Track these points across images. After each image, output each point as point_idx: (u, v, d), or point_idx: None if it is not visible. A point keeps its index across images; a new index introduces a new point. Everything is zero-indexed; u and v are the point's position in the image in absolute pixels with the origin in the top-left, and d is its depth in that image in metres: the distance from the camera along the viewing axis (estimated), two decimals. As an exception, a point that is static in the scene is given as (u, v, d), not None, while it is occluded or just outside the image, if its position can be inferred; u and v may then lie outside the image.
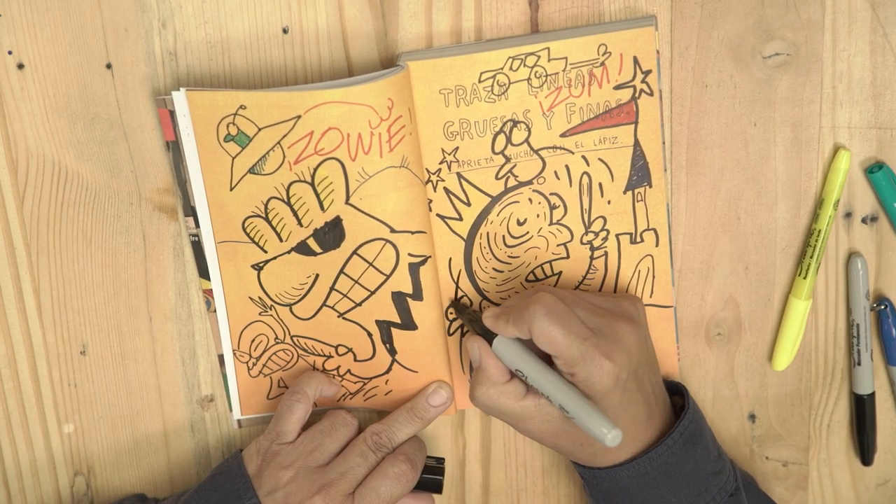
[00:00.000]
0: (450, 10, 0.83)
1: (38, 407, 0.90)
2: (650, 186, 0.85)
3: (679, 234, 0.89)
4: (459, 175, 0.84)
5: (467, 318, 0.85)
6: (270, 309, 0.86)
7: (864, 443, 0.94)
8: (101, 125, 0.84)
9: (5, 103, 0.83)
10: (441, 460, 0.89)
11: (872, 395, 0.93)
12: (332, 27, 0.83)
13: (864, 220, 0.89)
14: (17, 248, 0.86)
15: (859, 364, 0.91)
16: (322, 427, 0.85)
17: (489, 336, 0.81)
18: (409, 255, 0.83)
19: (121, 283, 0.87)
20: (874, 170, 0.87)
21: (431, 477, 0.88)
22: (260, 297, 0.86)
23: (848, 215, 0.89)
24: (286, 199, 0.82)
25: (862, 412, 0.93)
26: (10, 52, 0.82)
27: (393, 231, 0.82)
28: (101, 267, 0.87)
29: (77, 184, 0.85)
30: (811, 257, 0.88)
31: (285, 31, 0.83)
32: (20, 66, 0.83)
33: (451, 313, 0.87)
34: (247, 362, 0.88)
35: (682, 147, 0.87)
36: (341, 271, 0.84)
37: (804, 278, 0.88)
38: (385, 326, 0.85)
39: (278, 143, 0.80)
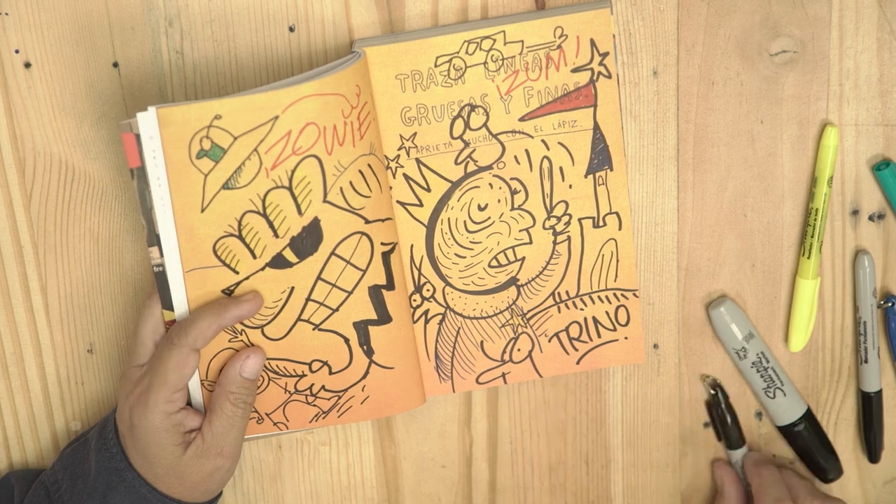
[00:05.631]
0: (456, 6, 0.83)
1: (46, 405, 0.90)
2: (611, 170, 0.85)
3: (686, 231, 0.89)
4: (418, 161, 0.84)
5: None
6: (241, 334, 0.83)
7: (870, 440, 0.94)
8: (108, 124, 0.84)
9: (13, 102, 0.83)
10: None
11: (879, 392, 0.92)
12: (338, 24, 0.83)
13: (871, 218, 0.89)
14: (24, 246, 0.86)
15: (866, 361, 0.91)
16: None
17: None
18: (382, 244, 0.83)
19: (128, 281, 0.88)
20: (881, 167, 0.87)
21: None
22: None
23: (855, 213, 0.89)
24: (261, 211, 0.79)
25: (869, 410, 0.93)
26: (17, 51, 0.82)
27: (367, 222, 0.82)
28: (108, 265, 0.87)
29: (84, 182, 0.85)
30: (812, 237, 0.88)
31: (291, 30, 0.83)
32: (27, 65, 0.83)
33: (413, 301, 0.87)
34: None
35: (688, 144, 0.87)
36: (318, 278, 0.82)
37: (808, 258, 0.88)
38: (363, 327, 0.84)
39: (255, 149, 0.77)
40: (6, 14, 0.82)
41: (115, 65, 0.83)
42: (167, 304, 0.80)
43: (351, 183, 0.80)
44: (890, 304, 0.91)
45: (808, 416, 0.92)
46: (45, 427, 0.90)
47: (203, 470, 0.81)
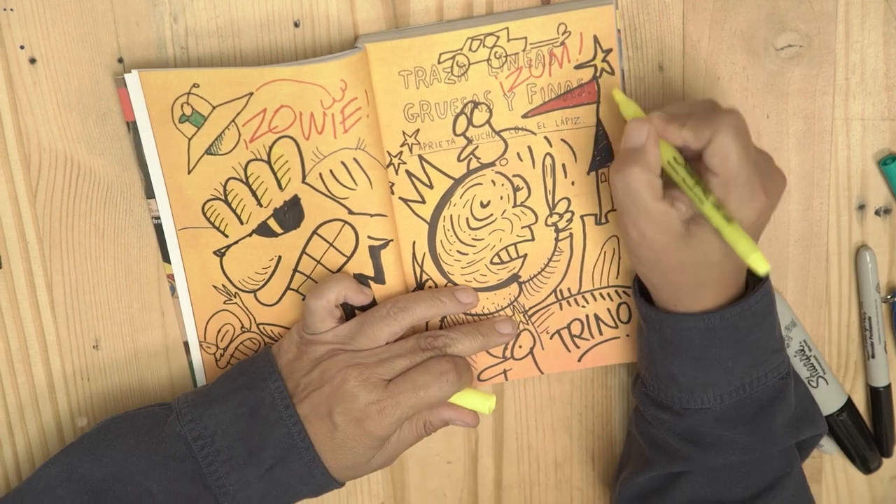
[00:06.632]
0: (461, 1, 0.83)
1: (52, 401, 0.90)
2: None
3: (691, 226, 0.89)
4: (421, 157, 0.84)
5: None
6: (235, 297, 0.86)
7: (881, 435, 0.93)
8: (113, 119, 0.84)
9: (18, 98, 0.83)
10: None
11: (888, 387, 0.92)
12: (343, 20, 0.83)
13: (877, 213, 0.89)
14: (29, 242, 0.86)
15: (873, 357, 0.91)
16: (368, 316, 0.83)
17: None
18: (369, 237, 0.83)
19: (133, 277, 0.88)
20: (887, 161, 0.87)
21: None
22: (224, 285, 0.86)
23: (861, 207, 0.89)
24: (244, 179, 0.83)
25: (878, 404, 0.93)
26: (22, 47, 0.82)
27: (351, 213, 0.83)
28: (114, 261, 0.87)
29: (89, 178, 0.85)
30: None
31: (297, 25, 0.83)
32: (32, 61, 0.83)
33: None
34: (214, 353, 0.88)
35: (694, 139, 0.87)
36: (303, 251, 0.84)
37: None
38: (349, 309, 0.85)
39: (233, 120, 0.81)
40: (11, 10, 0.82)
41: (121, 60, 0.83)
42: (166, 258, 0.85)
43: (332, 171, 0.81)
44: (897, 300, 0.91)
45: (849, 405, 0.92)
46: (51, 423, 0.91)
47: (371, 467, 0.83)
